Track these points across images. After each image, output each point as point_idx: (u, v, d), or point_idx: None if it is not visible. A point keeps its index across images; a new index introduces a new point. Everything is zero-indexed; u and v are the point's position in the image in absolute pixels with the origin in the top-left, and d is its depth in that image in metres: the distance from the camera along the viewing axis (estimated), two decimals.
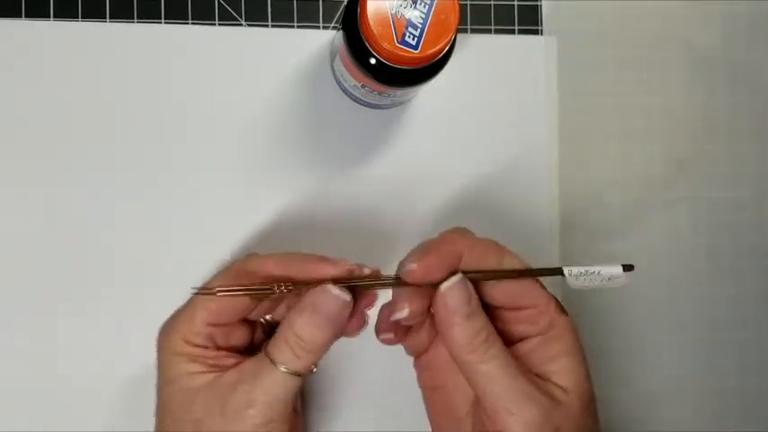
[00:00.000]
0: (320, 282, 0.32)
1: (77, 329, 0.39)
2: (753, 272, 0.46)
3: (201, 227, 0.40)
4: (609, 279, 0.33)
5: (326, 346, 0.32)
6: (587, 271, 0.33)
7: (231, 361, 0.33)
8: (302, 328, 0.31)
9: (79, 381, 0.39)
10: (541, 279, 0.34)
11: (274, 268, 0.33)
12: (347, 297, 0.32)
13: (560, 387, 0.32)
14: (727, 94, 0.45)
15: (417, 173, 0.42)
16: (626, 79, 0.44)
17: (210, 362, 0.33)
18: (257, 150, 0.41)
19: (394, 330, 0.35)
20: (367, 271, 0.33)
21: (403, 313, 0.33)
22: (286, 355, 0.31)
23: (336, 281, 0.32)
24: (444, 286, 0.32)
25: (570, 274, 0.33)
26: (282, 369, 0.31)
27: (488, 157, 0.43)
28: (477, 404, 0.34)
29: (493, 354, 0.31)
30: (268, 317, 0.36)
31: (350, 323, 0.34)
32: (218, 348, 0.33)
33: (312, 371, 0.32)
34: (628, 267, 0.33)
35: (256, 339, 0.36)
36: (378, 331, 0.36)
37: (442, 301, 0.32)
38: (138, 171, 0.40)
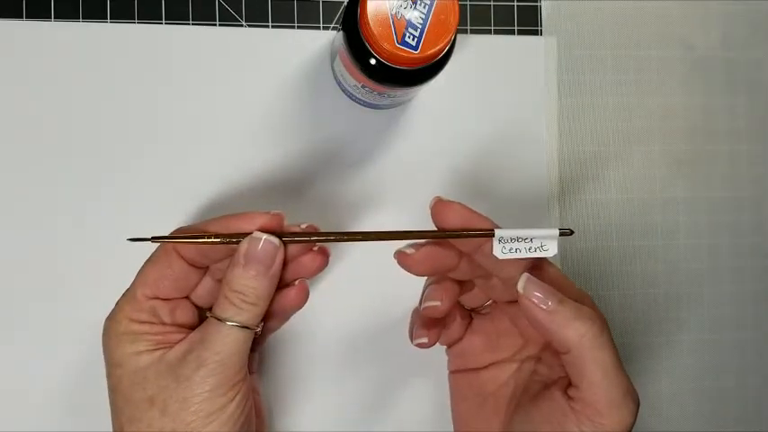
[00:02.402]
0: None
1: (72, 328, 0.39)
2: (753, 272, 0.46)
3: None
4: (541, 249, 0.32)
5: (267, 295, 0.32)
6: (519, 237, 0.31)
7: (179, 337, 0.33)
8: (238, 280, 0.32)
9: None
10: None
11: (209, 226, 0.33)
12: (275, 240, 0.32)
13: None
14: (727, 95, 0.45)
15: (417, 173, 0.42)
16: (626, 79, 0.44)
17: (157, 338, 0.33)
18: (257, 150, 0.41)
19: (427, 333, 0.36)
20: (303, 226, 0.34)
21: (435, 303, 0.34)
22: (229, 310, 0.32)
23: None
24: (519, 287, 0.32)
25: (501, 239, 0.31)
26: (228, 324, 0.31)
27: (488, 157, 0.43)
28: (505, 385, 0.36)
29: (603, 342, 0.31)
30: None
31: (290, 293, 0.34)
32: (164, 324, 0.33)
33: (258, 326, 0.33)
34: (565, 232, 0.32)
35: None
36: (412, 336, 0.36)
37: (526, 303, 0.32)
38: (138, 171, 0.40)
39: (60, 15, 0.40)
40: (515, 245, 0.32)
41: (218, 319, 0.32)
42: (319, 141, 0.41)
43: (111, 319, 0.33)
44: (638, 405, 0.32)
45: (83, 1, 0.40)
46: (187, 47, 0.40)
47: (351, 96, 0.40)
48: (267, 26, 0.41)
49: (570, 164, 0.44)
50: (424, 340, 0.36)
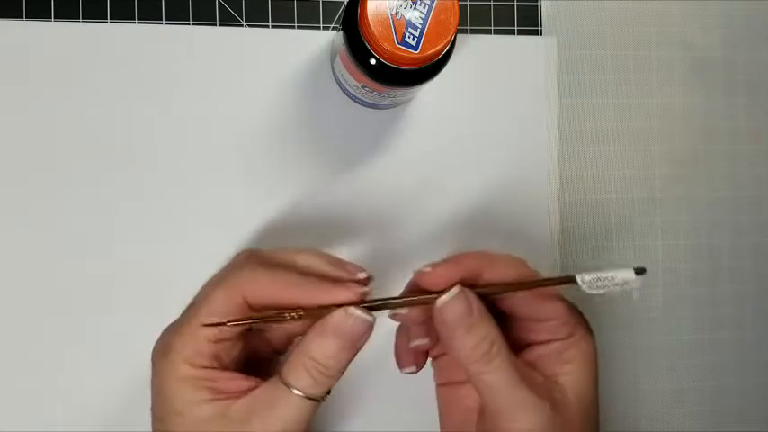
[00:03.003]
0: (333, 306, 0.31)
1: (78, 337, 0.39)
2: (753, 272, 0.46)
3: (201, 226, 0.40)
4: (623, 284, 0.32)
5: (344, 370, 0.31)
6: (599, 277, 0.32)
7: (238, 383, 0.31)
8: (322, 352, 0.30)
9: (77, 388, 0.39)
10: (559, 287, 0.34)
11: (283, 292, 0.31)
12: (370, 319, 0.31)
13: (565, 391, 0.32)
14: (727, 95, 0.45)
15: (417, 173, 0.42)
16: (626, 79, 0.44)
17: (217, 385, 0.31)
18: (257, 150, 0.41)
19: (415, 362, 0.35)
20: (362, 276, 0.33)
21: (423, 342, 0.34)
22: (304, 380, 0.30)
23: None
24: (440, 301, 0.31)
25: (583, 282, 0.32)
26: (299, 395, 0.30)
27: (488, 157, 0.43)
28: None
29: (496, 365, 0.31)
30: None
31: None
32: (224, 368, 0.32)
33: (328, 395, 0.31)
34: (639, 271, 0.32)
35: (249, 348, 0.34)
36: (400, 364, 0.36)
37: (440, 316, 0.31)
38: (138, 171, 0.40)
39: (60, 15, 0.40)
40: (599, 282, 0.32)
41: (288, 386, 0.30)
42: (319, 141, 0.41)
43: (165, 359, 0.31)
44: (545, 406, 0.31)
45: (83, 1, 0.40)
46: (187, 47, 0.40)
47: (351, 96, 0.40)
48: (267, 26, 0.41)
49: (570, 164, 0.44)
50: (413, 369, 0.35)
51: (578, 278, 0.32)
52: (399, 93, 0.37)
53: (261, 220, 0.40)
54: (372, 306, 0.31)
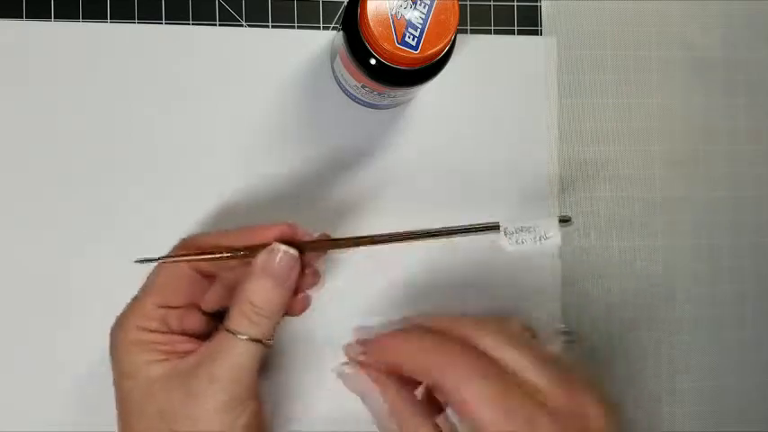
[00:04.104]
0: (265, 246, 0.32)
1: (70, 334, 0.39)
2: (753, 272, 0.46)
3: (200, 226, 0.40)
4: (544, 237, 0.32)
5: (281, 309, 0.32)
6: (523, 227, 0.32)
7: (188, 346, 0.33)
8: (254, 293, 0.32)
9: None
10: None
11: (220, 239, 0.33)
12: (294, 252, 0.32)
13: None
14: (727, 95, 0.45)
15: (417, 173, 0.42)
16: (625, 79, 0.44)
17: (167, 347, 0.32)
18: (257, 150, 0.41)
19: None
20: (316, 235, 0.34)
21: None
22: (243, 323, 0.31)
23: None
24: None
25: (507, 233, 0.32)
26: (243, 338, 0.31)
27: (488, 157, 0.43)
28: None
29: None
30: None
31: (294, 303, 0.34)
32: (173, 333, 0.33)
33: (271, 339, 0.32)
34: (564, 219, 0.32)
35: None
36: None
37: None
38: (138, 171, 0.40)
39: (60, 15, 0.40)
40: (521, 236, 0.32)
41: (231, 333, 0.31)
42: (319, 141, 0.41)
43: (119, 328, 0.33)
44: None
45: (83, 1, 0.40)
46: (187, 47, 0.40)
47: (351, 96, 0.40)
48: (267, 26, 0.41)
49: (570, 164, 0.44)
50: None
51: (502, 227, 0.32)
52: (399, 93, 0.37)
53: (261, 219, 0.40)
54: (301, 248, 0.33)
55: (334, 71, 0.40)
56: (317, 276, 0.36)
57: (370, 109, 0.41)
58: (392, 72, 0.33)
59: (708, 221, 0.45)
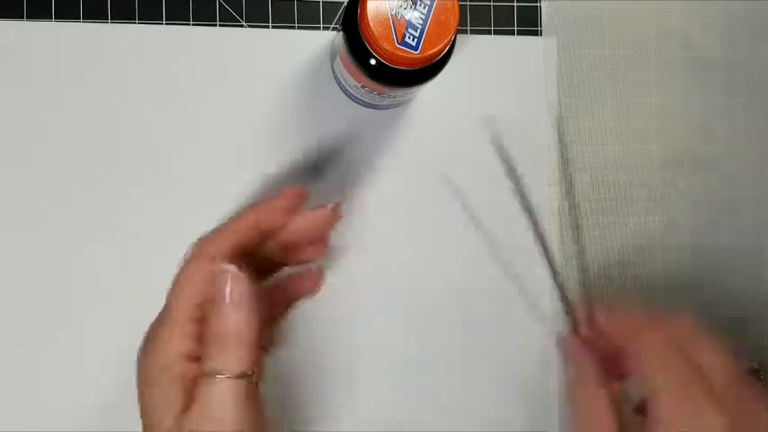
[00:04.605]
0: None
1: (64, 339, 0.39)
2: (753, 272, 0.46)
3: (200, 226, 0.40)
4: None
5: (247, 335, 0.29)
6: None
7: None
8: (214, 325, 0.29)
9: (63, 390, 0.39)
10: None
11: (243, 221, 0.33)
12: (230, 268, 0.30)
13: None
14: (726, 95, 0.45)
15: (417, 173, 0.42)
16: (624, 79, 0.44)
17: (189, 385, 0.29)
18: (257, 150, 0.41)
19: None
20: (330, 206, 0.34)
21: None
22: (216, 360, 0.29)
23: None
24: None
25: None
26: (218, 377, 0.29)
27: (488, 157, 0.43)
28: None
29: None
30: None
31: (302, 282, 0.34)
32: (197, 362, 0.30)
33: (253, 374, 0.30)
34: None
35: None
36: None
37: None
38: (138, 171, 0.40)
39: (60, 15, 0.40)
40: None
41: (206, 374, 0.29)
42: (319, 141, 0.41)
43: (147, 348, 0.30)
44: None
45: (83, 1, 0.40)
46: (187, 47, 0.40)
47: (351, 96, 0.40)
48: (267, 26, 0.41)
49: (570, 163, 0.44)
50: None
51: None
52: (399, 93, 0.37)
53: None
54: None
55: (334, 71, 0.40)
56: (319, 274, 0.35)
57: (370, 109, 0.41)
58: (392, 72, 0.33)
59: (708, 221, 0.45)
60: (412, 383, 0.42)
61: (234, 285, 0.30)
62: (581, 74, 0.44)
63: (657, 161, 0.45)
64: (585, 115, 0.44)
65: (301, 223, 0.34)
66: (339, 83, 0.40)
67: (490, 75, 0.43)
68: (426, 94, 0.42)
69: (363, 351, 0.41)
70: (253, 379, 0.30)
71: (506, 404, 0.42)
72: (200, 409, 0.29)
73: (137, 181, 0.40)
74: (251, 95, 0.41)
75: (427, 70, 0.34)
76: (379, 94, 0.36)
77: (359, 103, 0.41)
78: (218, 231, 0.33)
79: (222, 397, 0.29)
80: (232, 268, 0.30)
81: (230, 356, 0.29)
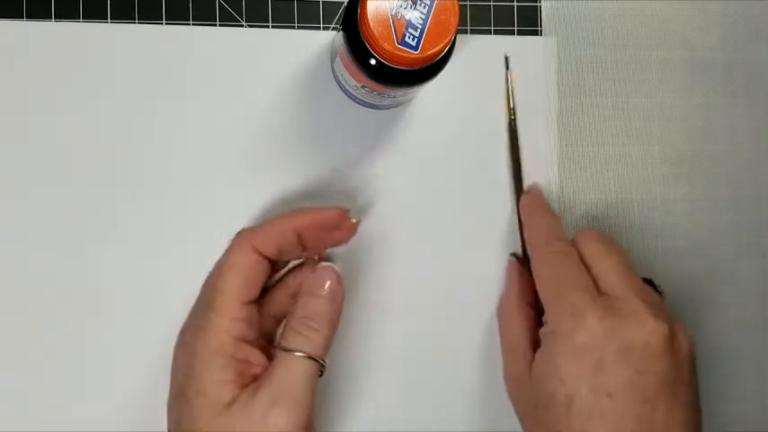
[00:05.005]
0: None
1: (76, 339, 0.39)
2: (753, 272, 0.46)
3: (200, 226, 0.40)
4: None
5: (333, 324, 0.34)
6: None
7: (257, 368, 0.33)
8: (305, 309, 0.33)
9: (79, 386, 0.39)
10: None
11: (286, 224, 0.35)
12: (339, 269, 0.35)
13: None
14: (727, 95, 0.45)
15: (417, 173, 0.42)
16: (625, 79, 0.44)
17: (242, 366, 0.32)
18: (257, 151, 0.41)
19: None
20: (354, 221, 0.37)
21: None
22: (297, 339, 0.32)
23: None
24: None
25: None
26: (298, 355, 0.32)
27: (488, 157, 0.43)
28: None
29: None
30: None
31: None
32: (248, 342, 0.33)
33: (325, 361, 0.33)
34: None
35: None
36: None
37: None
38: (138, 171, 0.40)
39: (60, 15, 0.40)
40: None
41: (286, 351, 0.32)
42: (319, 141, 0.41)
43: (199, 333, 0.33)
44: None
45: (83, 1, 0.40)
46: (187, 47, 0.40)
47: (351, 96, 0.40)
48: (267, 26, 0.41)
49: (570, 163, 0.44)
50: None
51: None
52: (399, 93, 0.37)
53: (261, 220, 0.40)
54: None
55: (334, 71, 0.40)
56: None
57: (370, 109, 0.41)
58: (392, 72, 0.33)
59: (708, 221, 0.45)
60: (415, 383, 0.42)
61: (332, 282, 0.34)
62: (581, 74, 0.44)
63: (658, 161, 0.45)
64: (586, 116, 0.44)
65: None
66: (339, 83, 0.40)
67: (490, 75, 0.43)
68: (426, 94, 0.42)
69: (364, 351, 0.41)
70: (321, 366, 0.33)
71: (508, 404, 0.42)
72: (279, 381, 0.31)
73: (137, 181, 0.40)
74: (251, 95, 0.41)
75: (427, 70, 0.34)
76: (379, 94, 0.36)
77: (359, 103, 0.41)
78: (263, 229, 0.36)
79: (301, 371, 0.32)
80: (336, 267, 0.35)
81: (314, 339, 0.33)
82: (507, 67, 0.42)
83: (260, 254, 0.35)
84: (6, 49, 0.39)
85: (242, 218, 0.40)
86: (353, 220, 0.37)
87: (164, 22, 0.40)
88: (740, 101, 0.46)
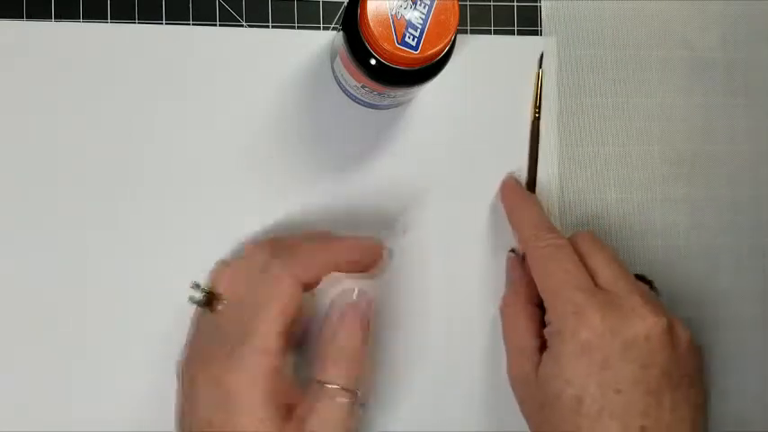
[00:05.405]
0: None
1: (78, 343, 0.39)
2: (753, 272, 0.46)
3: (200, 226, 0.40)
4: None
5: (363, 350, 0.35)
6: None
7: (291, 392, 0.33)
8: (340, 341, 0.34)
9: (84, 385, 0.39)
10: None
11: (326, 255, 0.36)
12: (370, 296, 0.37)
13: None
14: (727, 95, 0.45)
15: (417, 173, 0.42)
16: (625, 79, 0.44)
17: (278, 398, 0.32)
18: (257, 151, 0.41)
19: None
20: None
21: None
22: (331, 371, 0.33)
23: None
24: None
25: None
26: (334, 387, 0.32)
27: (488, 157, 0.43)
28: None
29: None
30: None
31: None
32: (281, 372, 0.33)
33: (361, 392, 0.33)
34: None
35: None
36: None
37: None
38: (138, 171, 0.40)
39: (60, 15, 0.40)
40: None
41: (322, 383, 0.33)
42: (319, 141, 0.41)
43: (234, 367, 0.32)
44: None
45: (83, 1, 0.40)
46: (187, 47, 0.40)
47: (351, 96, 0.40)
48: (267, 26, 0.41)
49: (570, 163, 0.44)
50: None
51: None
52: (399, 93, 0.37)
53: (261, 220, 0.40)
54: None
55: (334, 71, 0.40)
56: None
57: (370, 109, 0.41)
58: (392, 72, 0.33)
59: (708, 221, 0.45)
60: (418, 384, 0.42)
61: (367, 314, 0.36)
62: (581, 74, 0.44)
63: (658, 161, 0.45)
64: (586, 116, 0.44)
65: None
66: (339, 83, 0.40)
67: (490, 75, 0.43)
68: (426, 94, 0.42)
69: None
70: (360, 401, 0.34)
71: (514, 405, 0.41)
72: (319, 413, 0.32)
73: (137, 181, 0.40)
74: (251, 95, 0.41)
75: (427, 70, 0.34)
76: (379, 94, 0.36)
77: (359, 103, 0.41)
78: (301, 260, 0.35)
79: (340, 405, 0.33)
80: (369, 299, 0.37)
81: (351, 372, 0.34)
82: (540, 66, 0.42)
83: (300, 284, 0.34)
84: (6, 49, 0.39)
85: (241, 218, 0.40)
86: (385, 256, 0.38)
87: (164, 22, 0.40)
88: (740, 101, 0.46)
